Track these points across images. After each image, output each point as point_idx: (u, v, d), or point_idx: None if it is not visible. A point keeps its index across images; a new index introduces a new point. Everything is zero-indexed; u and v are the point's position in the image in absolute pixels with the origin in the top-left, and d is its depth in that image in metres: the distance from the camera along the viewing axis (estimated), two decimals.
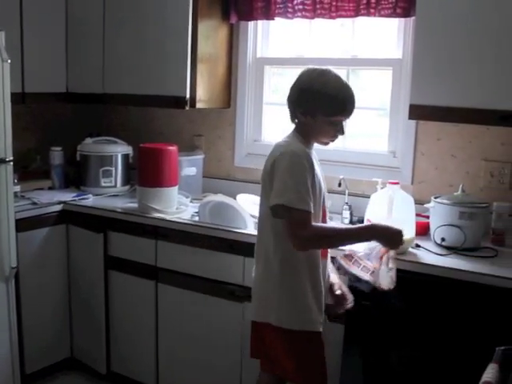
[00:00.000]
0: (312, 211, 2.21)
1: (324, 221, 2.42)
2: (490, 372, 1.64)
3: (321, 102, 2.24)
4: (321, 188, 2.34)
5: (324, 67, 2.31)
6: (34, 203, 3.42)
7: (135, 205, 3.38)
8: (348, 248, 2.45)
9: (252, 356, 2.52)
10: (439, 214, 2.77)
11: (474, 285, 2.36)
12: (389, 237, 2.31)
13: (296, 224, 2.20)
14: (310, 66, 2.34)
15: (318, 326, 2.34)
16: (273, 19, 3.46)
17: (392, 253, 2.37)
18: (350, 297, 2.48)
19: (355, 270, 2.40)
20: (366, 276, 2.36)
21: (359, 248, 2.43)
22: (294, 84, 2.34)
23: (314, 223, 2.24)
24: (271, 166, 2.27)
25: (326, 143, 2.40)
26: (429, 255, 2.63)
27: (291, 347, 2.34)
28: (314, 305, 2.32)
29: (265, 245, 2.37)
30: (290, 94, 2.35)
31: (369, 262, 2.38)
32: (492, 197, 2.94)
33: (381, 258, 2.36)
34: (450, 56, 2.66)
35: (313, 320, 2.33)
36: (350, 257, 2.42)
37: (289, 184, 2.19)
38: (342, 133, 2.35)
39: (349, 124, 3.41)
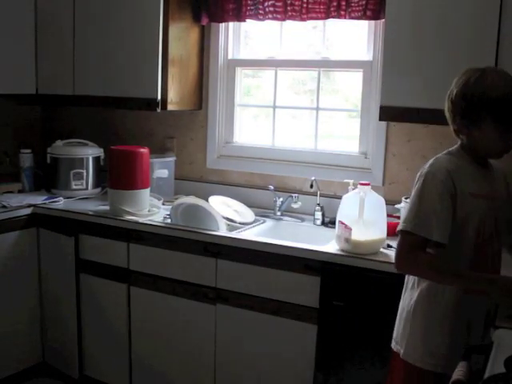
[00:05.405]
0: (434, 239, 1.93)
1: (484, 255, 2.03)
2: (461, 370, 1.66)
3: (487, 107, 1.90)
4: (478, 215, 1.99)
5: (484, 67, 1.98)
6: (4, 206, 3.38)
7: (107, 207, 3.36)
8: None
9: None
10: None
11: None
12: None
13: (401, 246, 1.98)
14: (468, 68, 2.00)
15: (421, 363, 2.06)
16: (244, 21, 3.47)
17: None
18: None
19: None
20: None
21: None
22: (451, 92, 2.00)
23: (426, 252, 1.97)
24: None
25: (500, 156, 2.03)
26: None
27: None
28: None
29: None
30: (448, 104, 2.02)
31: None
32: None
33: None
34: (419, 58, 2.70)
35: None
36: None
37: (413, 209, 1.97)
38: None
39: (320, 125, 3.50)
